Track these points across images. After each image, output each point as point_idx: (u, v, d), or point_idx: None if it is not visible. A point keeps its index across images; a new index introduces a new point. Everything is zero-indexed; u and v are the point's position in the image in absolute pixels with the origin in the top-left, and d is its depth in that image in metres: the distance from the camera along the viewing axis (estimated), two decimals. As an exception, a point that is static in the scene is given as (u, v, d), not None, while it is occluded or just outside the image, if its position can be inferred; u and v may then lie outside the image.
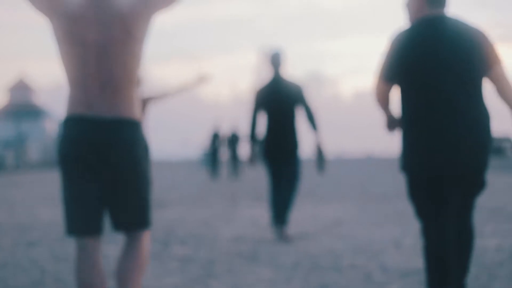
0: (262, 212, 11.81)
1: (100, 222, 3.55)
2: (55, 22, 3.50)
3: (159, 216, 11.31)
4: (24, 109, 42.19)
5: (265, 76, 8.34)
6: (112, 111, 3.48)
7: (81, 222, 3.53)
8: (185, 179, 26.88)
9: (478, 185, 4.21)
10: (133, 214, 3.57)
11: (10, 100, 43.40)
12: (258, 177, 26.16)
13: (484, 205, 12.34)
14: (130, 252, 3.63)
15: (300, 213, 11.46)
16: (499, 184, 19.03)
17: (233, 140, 26.78)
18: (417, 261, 6.55)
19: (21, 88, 43.52)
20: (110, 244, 8.01)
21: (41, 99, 43.93)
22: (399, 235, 8.45)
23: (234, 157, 26.70)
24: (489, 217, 10.40)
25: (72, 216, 3.54)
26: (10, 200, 15.06)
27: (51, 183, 22.13)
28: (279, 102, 8.16)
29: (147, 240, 3.67)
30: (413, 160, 4.15)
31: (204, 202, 14.29)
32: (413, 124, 4.14)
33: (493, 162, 32.84)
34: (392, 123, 4.40)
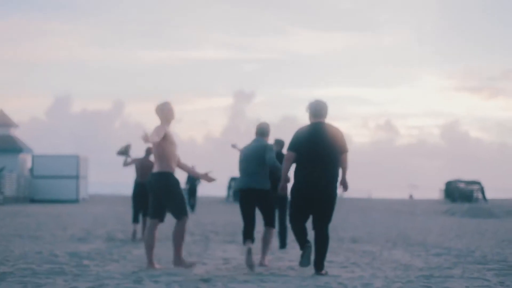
0: (233, 252, 11.86)
1: (164, 214, 9.14)
2: (166, 139, 9.01)
3: (131, 253, 11.30)
4: (2, 142, 41.54)
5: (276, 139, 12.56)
6: (159, 169, 9.08)
7: (154, 213, 9.11)
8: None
9: (330, 206, 8.62)
10: (175, 211, 9.03)
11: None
12: (228, 216, 26.15)
13: (453, 248, 12.46)
14: (177, 227, 9.08)
15: (268, 257, 11.51)
16: (468, 228, 19.21)
17: (192, 177, 27.84)
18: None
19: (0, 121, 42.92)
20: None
21: (18, 133, 43.44)
22: (369, 278, 8.55)
23: (192, 193, 28.52)
24: (458, 260, 10.52)
25: (151, 210, 9.15)
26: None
27: (25, 217, 21.98)
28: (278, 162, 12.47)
29: (184, 222, 9.02)
30: (298, 190, 8.60)
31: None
32: (301, 174, 8.59)
33: (463, 207, 33.11)
34: (284, 187, 8.84)
